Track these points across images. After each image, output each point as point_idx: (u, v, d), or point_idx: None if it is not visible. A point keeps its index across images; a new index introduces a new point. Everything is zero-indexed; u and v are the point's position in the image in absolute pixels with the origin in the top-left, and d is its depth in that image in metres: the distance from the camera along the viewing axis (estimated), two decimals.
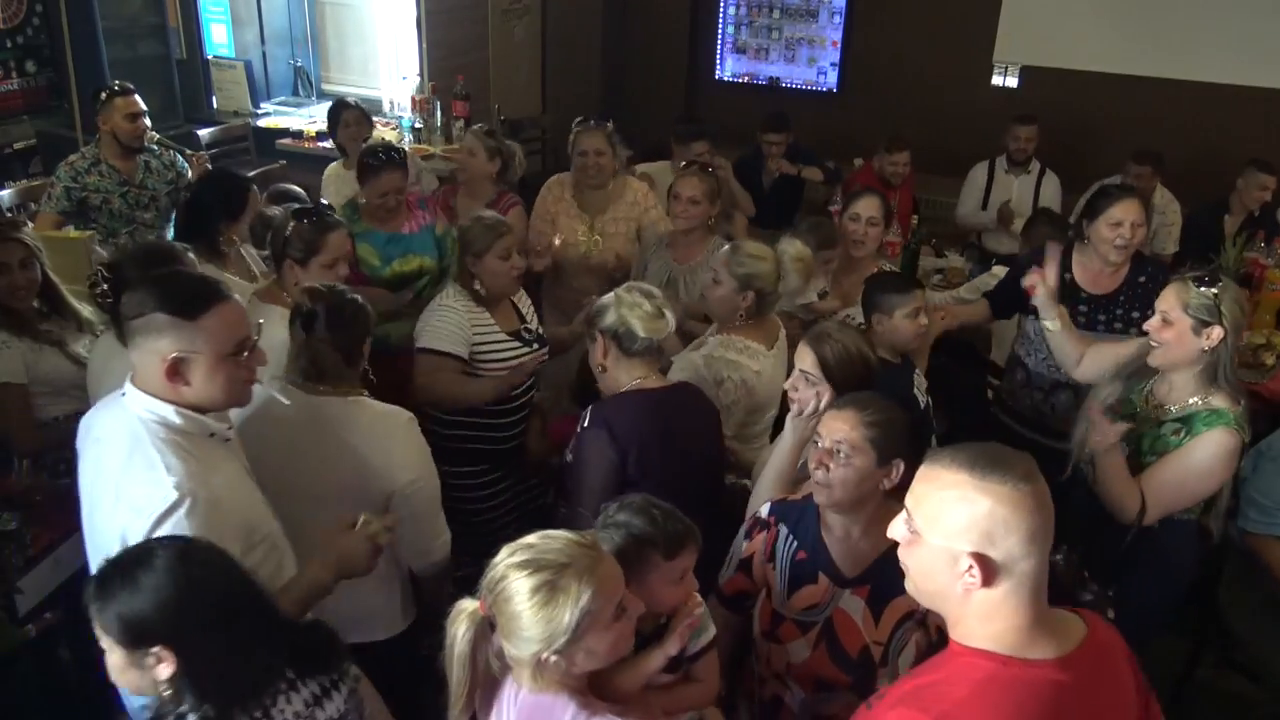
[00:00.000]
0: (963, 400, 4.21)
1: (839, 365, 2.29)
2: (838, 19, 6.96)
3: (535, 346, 3.15)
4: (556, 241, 3.75)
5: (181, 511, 1.71)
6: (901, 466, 1.95)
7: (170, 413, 1.79)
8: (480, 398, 3.00)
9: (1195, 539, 2.66)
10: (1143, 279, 3.22)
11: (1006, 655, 1.39)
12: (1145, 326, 2.60)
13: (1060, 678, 1.39)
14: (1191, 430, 2.48)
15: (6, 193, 4.65)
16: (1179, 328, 2.46)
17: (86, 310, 3.06)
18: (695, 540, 1.84)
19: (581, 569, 1.53)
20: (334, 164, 4.62)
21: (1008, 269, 4.01)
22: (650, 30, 7.50)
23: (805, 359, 2.34)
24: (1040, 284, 2.97)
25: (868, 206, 3.55)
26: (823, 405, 2.20)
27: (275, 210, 3.26)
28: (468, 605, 1.60)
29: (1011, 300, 3.48)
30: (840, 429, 1.96)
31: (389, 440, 2.23)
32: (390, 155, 3.63)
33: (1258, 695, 3.09)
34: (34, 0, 5.54)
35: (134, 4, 6.16)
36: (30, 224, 3.33)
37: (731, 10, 7.26)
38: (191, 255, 2.57)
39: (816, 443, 2.01)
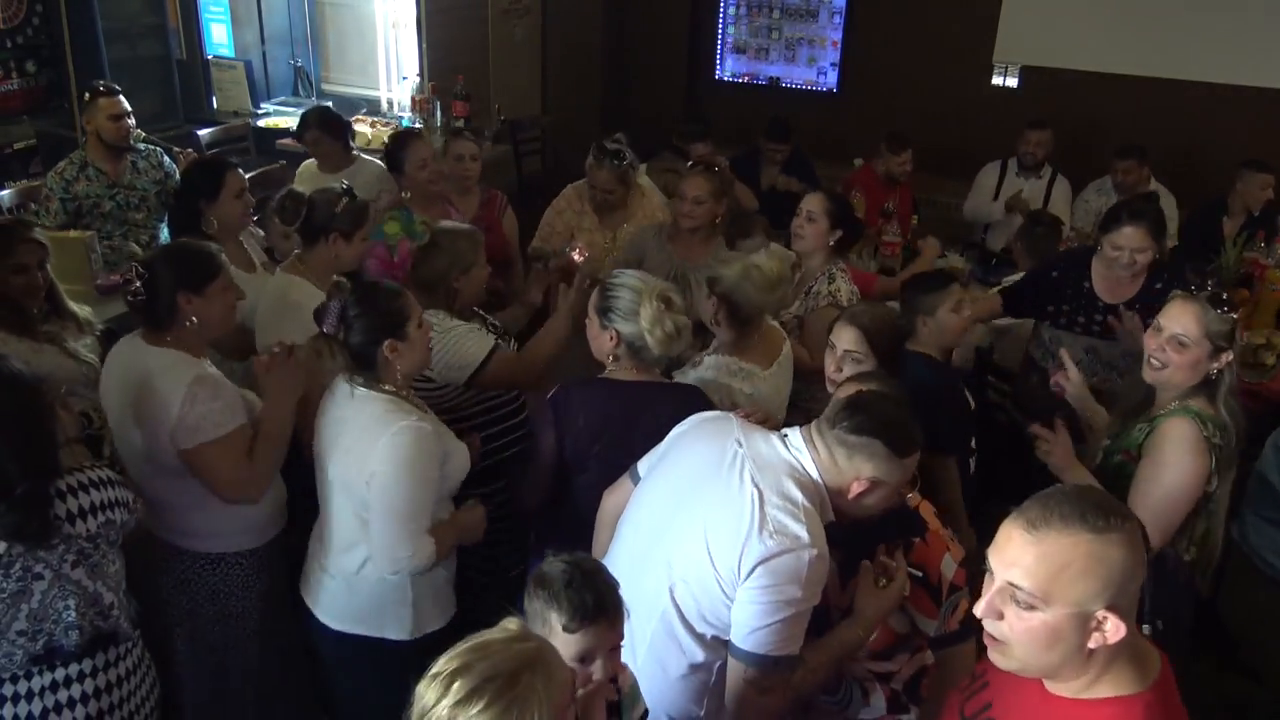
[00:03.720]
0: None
1: (879, 334, 2.49)
2: (838, 19, 6.96)
3: (505, 337, 3.12)
4: (577, 257, 3.73)
5: (809, 556, 1.83)
6: (914, 463, 2.06)
7: (816, 475, 1.92)
8: (560, 335, 2.96)
9: (1171, 573, 2.53)
10: (1159, 286, 3.22)
11: (1131, 694, 1.37)
12: (1153, 346, 2.49)
13: (1167, 694, 1.40)
14: (1154, 425, 2.46)
15: (6, 193, 4.64)
16: (1197, 352, 2.41)
17: (85, 311, 3.07)
18: (604, 619, 1.66)
19: (537, 668, 1.36)
20: (308, 162, 4.62)
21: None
22: (650, 30, 7.50)
23: (846, 337, 2.52)
24: (1066, 384, 2.88)
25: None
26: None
27: (300, 189, 3.29)
28: None
29: (1026, 303, 3.49)
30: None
31: (377, 440, 2.24)
32: (412, 132, 3.94)
33: (1258, 695, 3.09)
34: (34, 0, 5.53)
35: (134, 4, 6.15)
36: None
37: (731, 10, 7.27)
38: (224, 256, 2.58)
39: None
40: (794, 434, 1.96)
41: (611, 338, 2.43)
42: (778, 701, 1.89)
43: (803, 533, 1.82)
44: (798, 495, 1.87)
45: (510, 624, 1.47)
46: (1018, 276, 4.07)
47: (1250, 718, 3.14)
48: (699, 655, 1.95)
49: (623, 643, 1.74)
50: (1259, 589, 2.86)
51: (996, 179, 5.43)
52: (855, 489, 1.88)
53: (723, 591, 1.87)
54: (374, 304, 2.28)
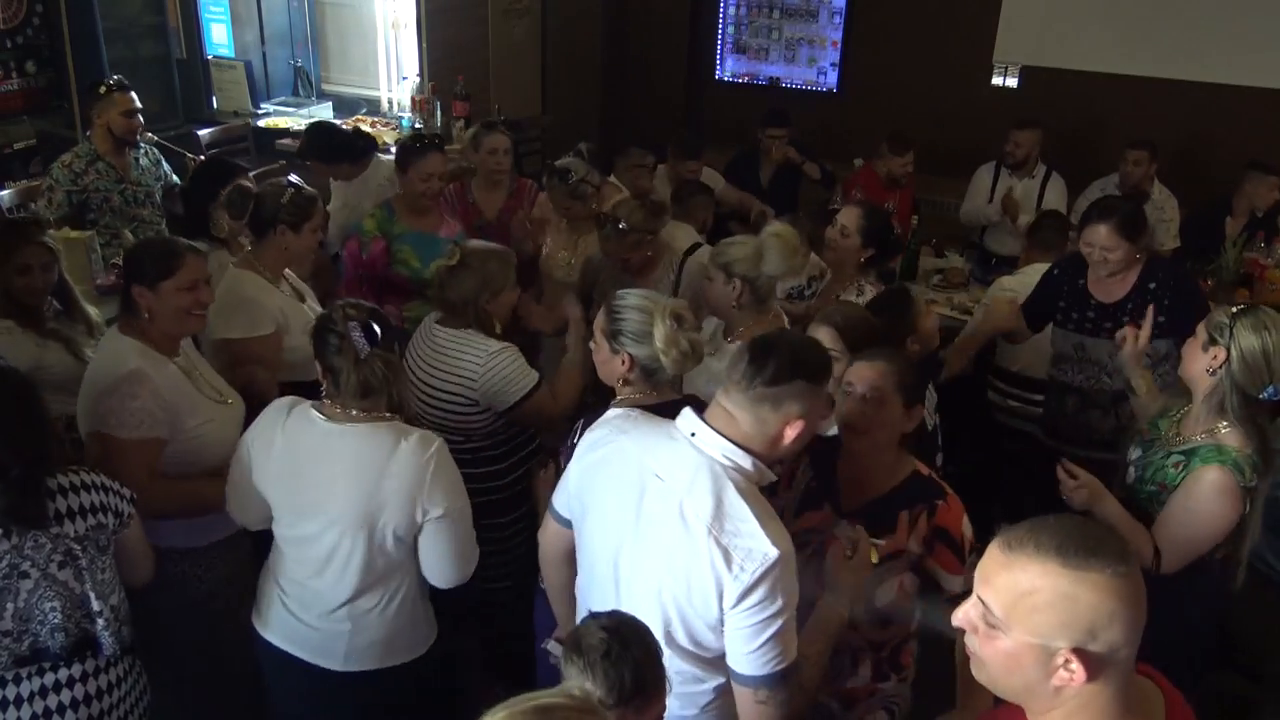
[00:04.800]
0: (960, 399, 4.21)
1: (853, 330, 2.51)
2: (838, 19, 6.96)
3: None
4: (544, 250, 3.75)
5: (779, 570, 1.77)
6: (922, 412, 2.17)
7: (748, 462, 1.83)
8: (579, 365, 2.91)
9: (1215, 576, 2.53)
10: (1153, 285, 3.22)
11: None
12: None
13: None
14: (1189, 466, 2.41)
15: (6, 193, 4.65)
16: (1197, 340, 2.45)
17: (94, 312, 3.09)
18: (642, 697, 1.62)
19: None
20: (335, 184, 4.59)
21: (1014, 276, 4.01)
22: (650, 30, 7.50)
23: (820, 335, 2.51)
24: (1130, 341, 2.87)
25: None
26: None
27: (248, 183, 3.27)
28: None
29: (1041, 308, 3.48)
30: (872, 376, 2.17)
31: (424, 469, 2.17)
32: (430, 140, 3.85)
33: (1258, 695, 3.09)
34: (34, 0, 5.53)
35: (134, 4, 6.15)
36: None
37: (731, 10, 7.26)
38: (199, 248, 2.61)
39: (848, 391, 2.19)
40: (698, 426, 1.86)
41: (624, 361, 2.33)
42: (799, 706, 1.88)
43: (768, 546, 1.76)
44: (743, 507, 1.79)
45: (574, 689, 1.42)
46: (1014, 274, 4.08)
47: (1250, 718, 3.14)
48: (714, 680, 1.93)
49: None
50: (1259, 590, 2.86)
51: (991, 180, 5.42)
52: (790, 434, 1.83)
53: (714, 633, 1.86)
54: (389, 327, 2.22)
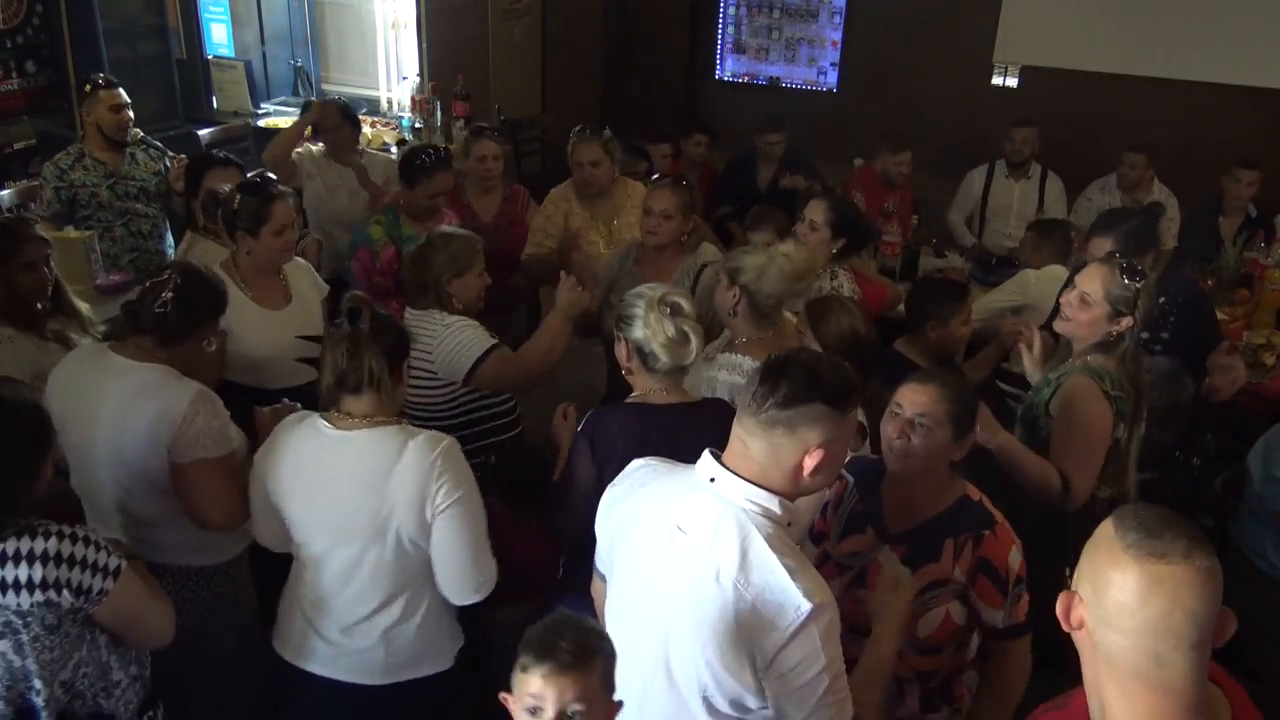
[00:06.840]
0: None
1: (839, 344, 2.53)
2: (838, 19, 6.96)
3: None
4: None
5: (816, 623, 1.62)
6: (973, 441, 2.10)
7: (774, 504, 1.69)
8: (555, 333, 2.95)
9: (1100, 516, 2.56)
10: (1162, 300, 3.17)
11: None
12: (1060, 300, 2.66)
13: None
14: (1059, 384, 2.57)
15: (6, 193, 4.65)
16: (1096, 312, 2.54)
17: (85, 308, 3.08)
18: (570, 669, 1.51)
19: None
20: (315, 147, 4.53)
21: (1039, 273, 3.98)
22: (650, 30, 7.50)
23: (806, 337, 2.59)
24: (1026, 346, 2.92)
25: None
26: None
27: (225, 187, 3.18)
28: None
29: None
30: (923, 402, 2.06)
31: (431, 467, 2.12)
32: (440, 155, 3.76)
33: (1258, 695, 3.08)
34: (34, 0, 5.54)
35: (134, 4, 6.15)
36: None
37: (731, 10, 7.26)
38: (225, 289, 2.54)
39: (896, 413, 2.09)
40: (716, 471, 1.72)
41: (625, 348, 2.38)
42: None
43: (799, 599, 1.61)
44: (770, 557, 1.64)
45: None
46: (1015, 276, 4.07)
47: None
48: None
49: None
50: (1257, 588, 2.86)
51: (984, 183, 5.42)
52: (809, 464, 1.66)
53: (753, 695, 1.72)
54: (390, 324, 2.22)
